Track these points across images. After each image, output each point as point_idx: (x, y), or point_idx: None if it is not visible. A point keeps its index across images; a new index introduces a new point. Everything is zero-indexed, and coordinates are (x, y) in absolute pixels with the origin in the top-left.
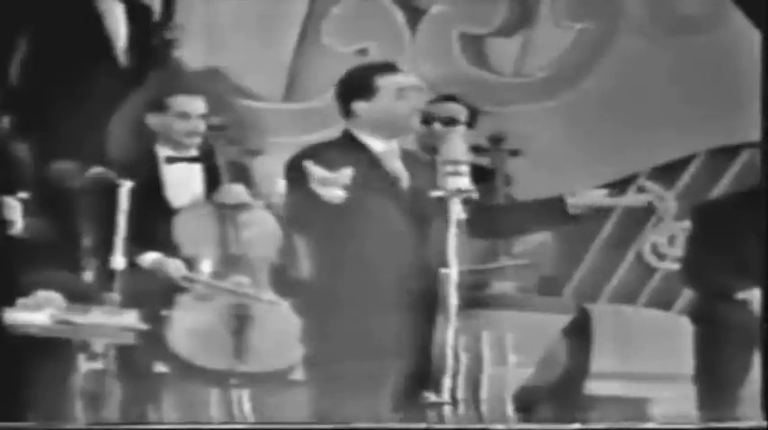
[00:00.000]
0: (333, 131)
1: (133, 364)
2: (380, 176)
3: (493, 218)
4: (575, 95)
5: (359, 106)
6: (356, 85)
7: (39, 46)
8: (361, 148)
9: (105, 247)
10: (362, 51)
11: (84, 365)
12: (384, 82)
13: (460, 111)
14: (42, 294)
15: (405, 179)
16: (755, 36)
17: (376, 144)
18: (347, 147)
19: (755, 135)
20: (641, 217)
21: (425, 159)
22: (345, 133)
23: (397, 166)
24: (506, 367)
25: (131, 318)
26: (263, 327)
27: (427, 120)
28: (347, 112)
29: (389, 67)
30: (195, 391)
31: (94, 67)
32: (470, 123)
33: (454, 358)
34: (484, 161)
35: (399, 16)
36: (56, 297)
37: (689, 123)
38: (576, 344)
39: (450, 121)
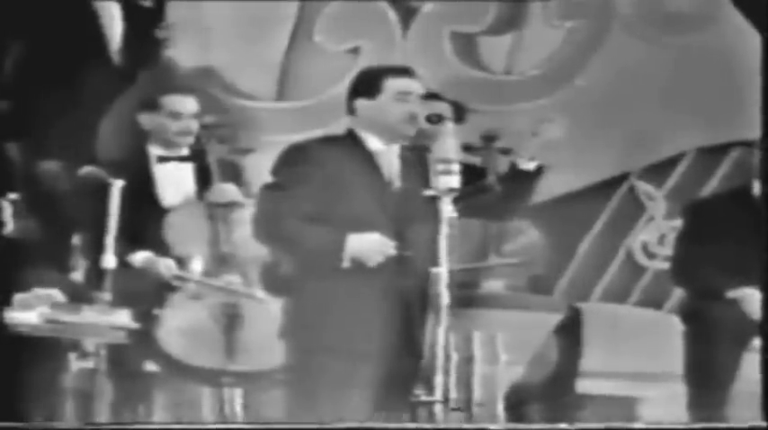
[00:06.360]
0: (326, 130)
1: (124, 363)
2: (373, 175)
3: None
4: (566, 94)
5: (360, 103)
6: (363, 83)
7: (33, 45)
8: (361, 147)
9: (96, 246)
10: (354, 50)
11: (74, 364)
12: (389, 84)
13: (445, 109)
14: (39, 291)
15: (398, 179)
16: (749, 34)
17: (375, 143)
18: (348, 145)
19: (747, 134)
20: (632, 216)
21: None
22: (350, 131)
23: (393, 166)
24: (497, 366)
25: (122, 317)
26: (254, 326)
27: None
28: (350, 109)
29: (400, 71)
30: (187, 390)
31: (87, 66)
32: (457, 120)
33: (445, 357)
34: (475, 160)
35: (391, 15)
36: (53, 292)
37: (680, 122)
38: (566, 343)
39: (436, 119)
